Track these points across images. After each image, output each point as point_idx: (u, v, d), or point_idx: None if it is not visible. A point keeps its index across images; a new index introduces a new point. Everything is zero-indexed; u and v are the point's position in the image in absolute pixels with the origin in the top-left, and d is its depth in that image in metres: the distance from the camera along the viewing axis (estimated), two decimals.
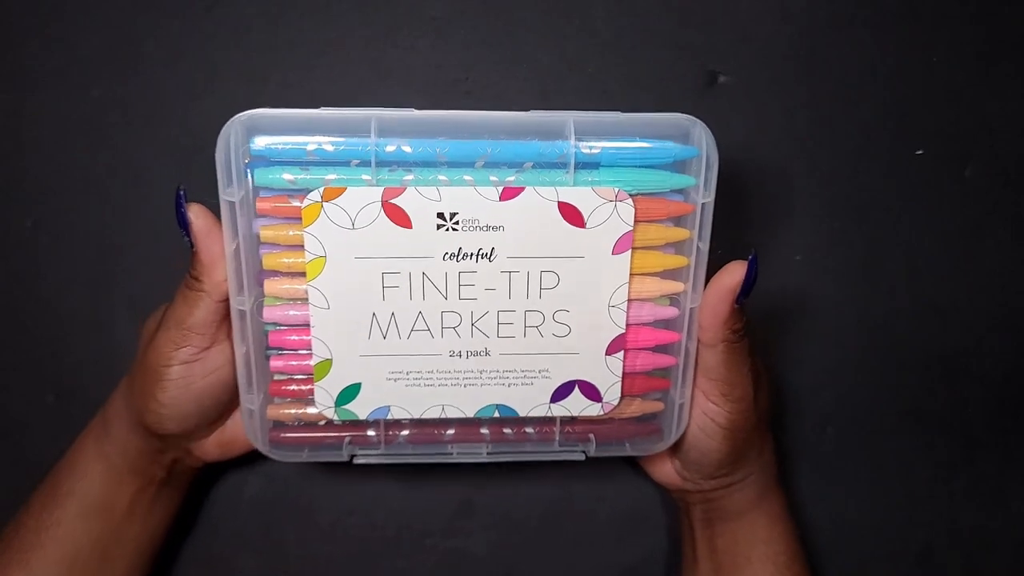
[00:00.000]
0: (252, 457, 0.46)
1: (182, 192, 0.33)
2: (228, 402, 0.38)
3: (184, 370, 0.35)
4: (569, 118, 0.33)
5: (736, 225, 0.47)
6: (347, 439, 0.37)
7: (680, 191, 0.34)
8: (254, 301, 0.35)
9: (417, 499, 0.48)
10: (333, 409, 0.36)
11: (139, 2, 0.43)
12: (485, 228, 0.33)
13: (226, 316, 0.35)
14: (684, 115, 0.33)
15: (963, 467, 0.50)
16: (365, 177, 0.32)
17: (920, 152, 0.47)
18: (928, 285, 0.48)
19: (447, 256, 0.33)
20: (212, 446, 0.40)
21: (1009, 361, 0.49)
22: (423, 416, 0.36)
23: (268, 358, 0.36)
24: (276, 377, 0.36)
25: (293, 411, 0.37)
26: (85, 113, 0.44)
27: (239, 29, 0.44)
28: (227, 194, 0.32)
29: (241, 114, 0.32)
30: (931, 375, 0.49)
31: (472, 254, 0.34)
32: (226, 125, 0.31)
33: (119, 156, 0.44)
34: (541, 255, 0.34)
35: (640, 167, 0.34)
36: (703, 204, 0.34)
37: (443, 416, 0.36)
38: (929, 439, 0.50)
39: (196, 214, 0.33)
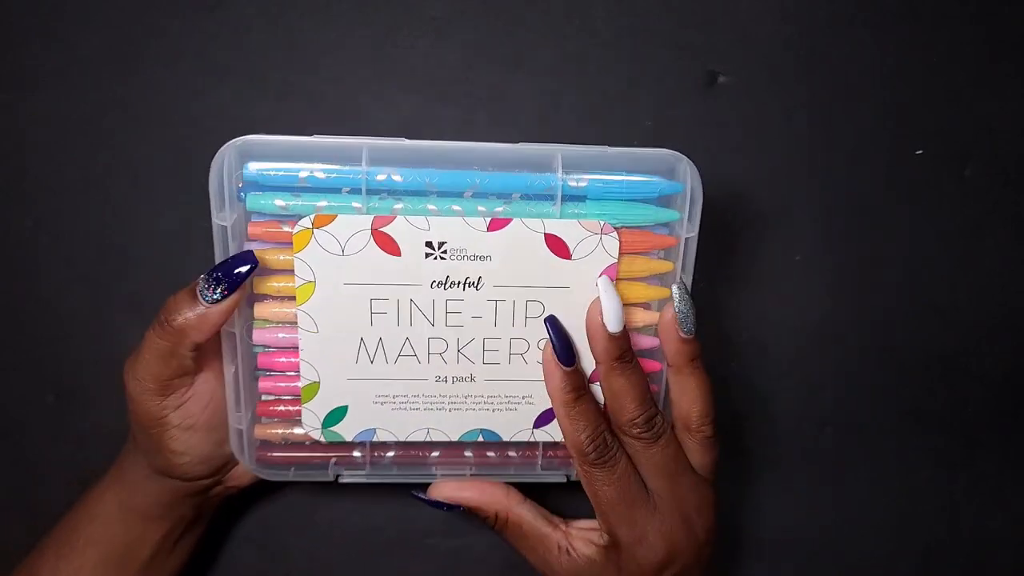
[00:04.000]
0: None
1: (256, 260, 0.33)
2: None
3: (181, 413, 0.35)
4: (557, 151, 0.33)
5: (736, 225, 0.47)
6: (333, 460, 0.38)
7: (665, 224, 0.35)
8: (244, 324, 0.35)
9: None
10: (320, 431, 0.36)
11: (139, 2, 0.43)
12: (473, 258, 0.33)
13: (200, 353, 0.35)
14: (670, 151, 0.34)
15: (963, 467, 0.50)
16: (356, 205, 0.33)
17: (920, 152, 0.47)
18: (928, 285, 0.48)
19: (435, 284, 0.34)
20: (244, 470, 0.40)
21: (1009, 361, 0.49)
22: (408, 439, 0.37)
23: (256, 379, 0.36)
24: (264, 397, 0.37)
25: (280, 431, 0.37)
26: (85, 113, 0.44)
27: (239, 29, 0.44)
28: (219, 218, 0.33)
29: (236, 139, 0.32)
30: (931, 375, 0.49)
31: (459, 282, 0.34)
32: (220, 150, 0.32)
33: (119, 156, 0.44)
34: (527, 284, 0.34)
35: (626, 200, 0.34)
36: (687, 239, 0.34)
37: (428, 439, 0.37)
38: (929, 439, 0.50)
39: (244, 288, 0.33)
